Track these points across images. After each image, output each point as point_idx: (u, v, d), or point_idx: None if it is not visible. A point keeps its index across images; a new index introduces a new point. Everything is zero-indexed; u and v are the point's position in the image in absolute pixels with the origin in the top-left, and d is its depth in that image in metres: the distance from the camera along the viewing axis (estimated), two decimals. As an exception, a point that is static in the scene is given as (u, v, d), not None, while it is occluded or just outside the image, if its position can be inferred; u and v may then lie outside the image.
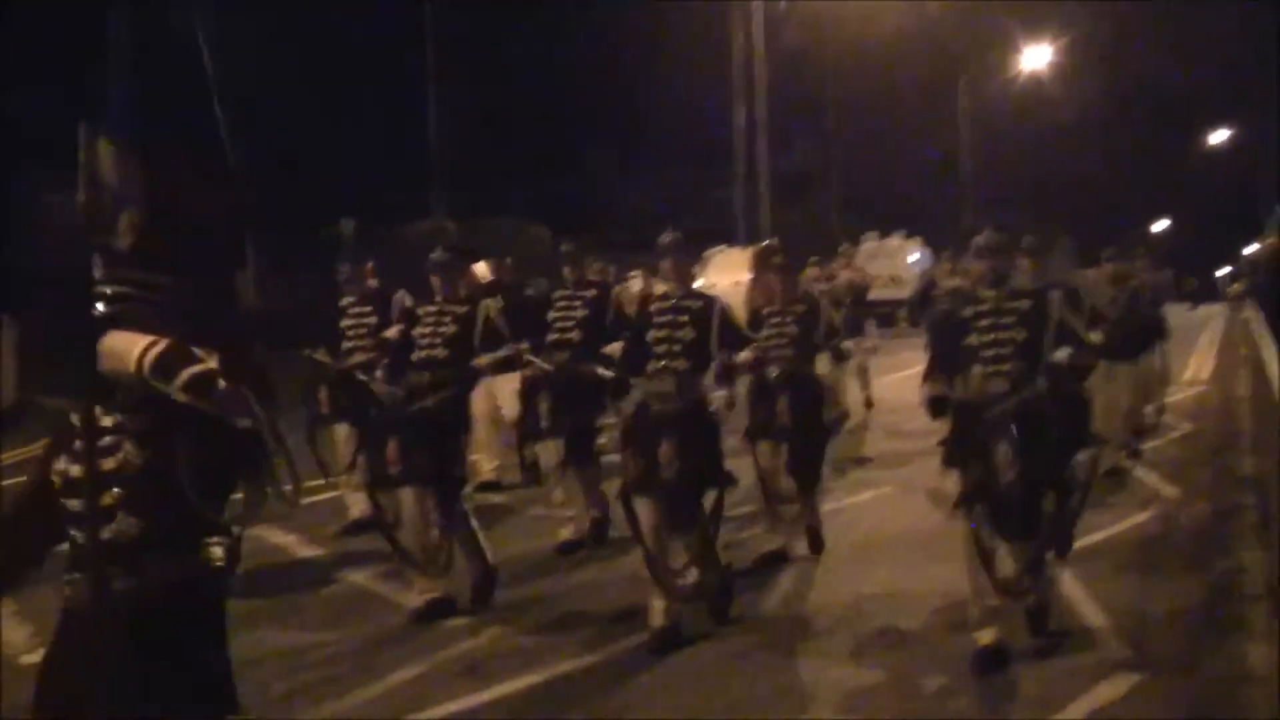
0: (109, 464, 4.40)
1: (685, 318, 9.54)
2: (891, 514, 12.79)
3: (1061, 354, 8.27)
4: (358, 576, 10.95)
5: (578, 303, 11.91)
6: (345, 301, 12.76)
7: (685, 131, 52.52)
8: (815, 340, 11.47)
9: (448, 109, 46.47)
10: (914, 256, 41.56)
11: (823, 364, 12.35)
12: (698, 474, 9.02)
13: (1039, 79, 56.40)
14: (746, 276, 15.58)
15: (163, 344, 4.36)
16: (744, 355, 9.60)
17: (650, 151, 55.27)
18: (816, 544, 11.18)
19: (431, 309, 10.45)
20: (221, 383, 4.34)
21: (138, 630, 4.34)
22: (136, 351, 4.35)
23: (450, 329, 10.26)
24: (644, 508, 8.92)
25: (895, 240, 40.01)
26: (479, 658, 8.69)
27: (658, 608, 8.85)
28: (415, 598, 9.71)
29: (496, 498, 13.96)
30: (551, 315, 11.91)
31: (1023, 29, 54.44)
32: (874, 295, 31.99)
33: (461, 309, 10.38)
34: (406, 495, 9.73)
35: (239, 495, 4.61)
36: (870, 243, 40.10)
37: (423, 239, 39.68)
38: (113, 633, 4.30)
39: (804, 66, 52.88)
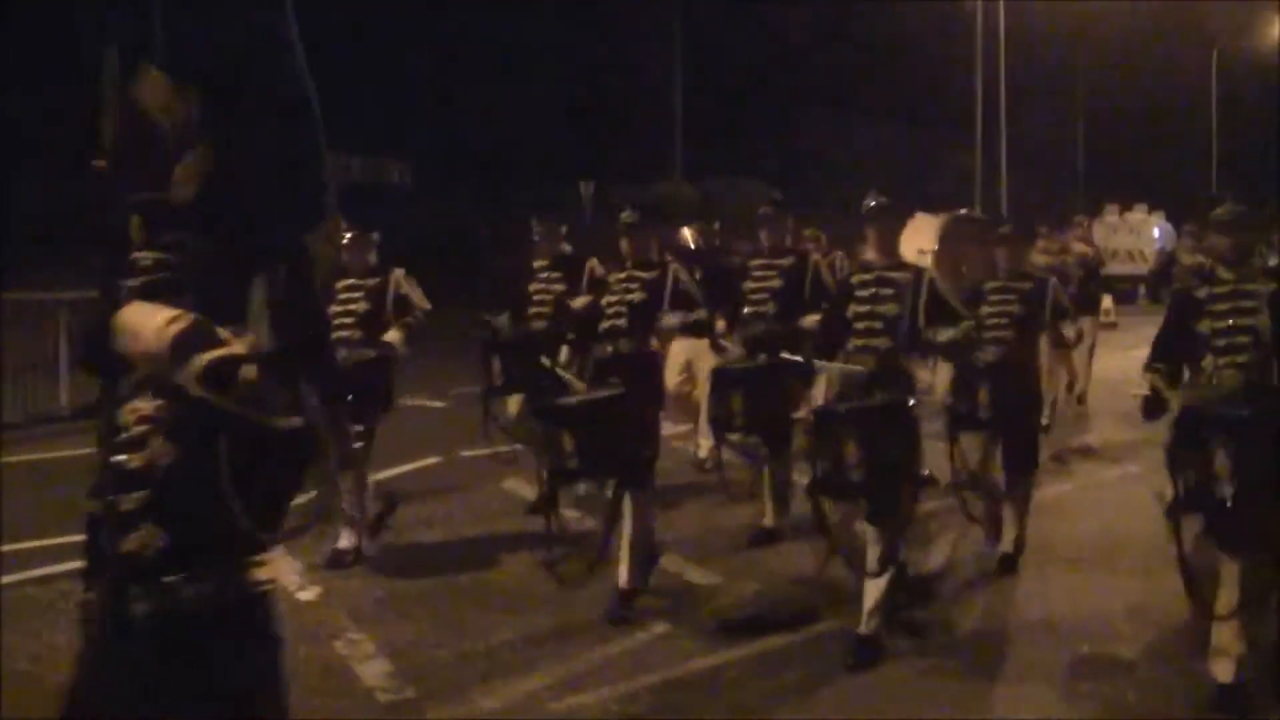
0: (134, 461, 3.48)
1: (890, 290, 8.59)
2: (1114, 513, 11.34)
3: None
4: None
5: (773, 272, 10.95)
6: (537, 265, 12.16)
7: (928, 95, 51.49)
8: (1040, 321, 10.24)
9: (689, 72, 45.91)
10: (1156, 231, 39.83)
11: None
12: (894, 474, 7.94)
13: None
14: (932, 246, 14.63)
15: (185, 320, 3.40)
16: (947, 334, 8.48)
17: (892, 113, 54.30)
18: (1019, 548, 9.96)
19: (621, 275, 9.75)
20: (249, 373, 3.39)
21: (164, 660, 3.51)
22: (154, 326, 3.43)
23: (638, 295, 9.53)
24: (836, 509, 8.12)
25: (1138, 214, 38.26)
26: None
27: (865, 612, 7.92)
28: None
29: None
30: (747, 285, 11.03)
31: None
32: (1115, 270, 30.80)
33: (650, 274, 9.64)
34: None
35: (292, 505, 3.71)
36: (1111, 216, 38.37)
37: (663, 200, 39.52)
38: (130, 664, 3.50)
39: (1050, 33, 51.18)
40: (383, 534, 10.44)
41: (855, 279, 8.88)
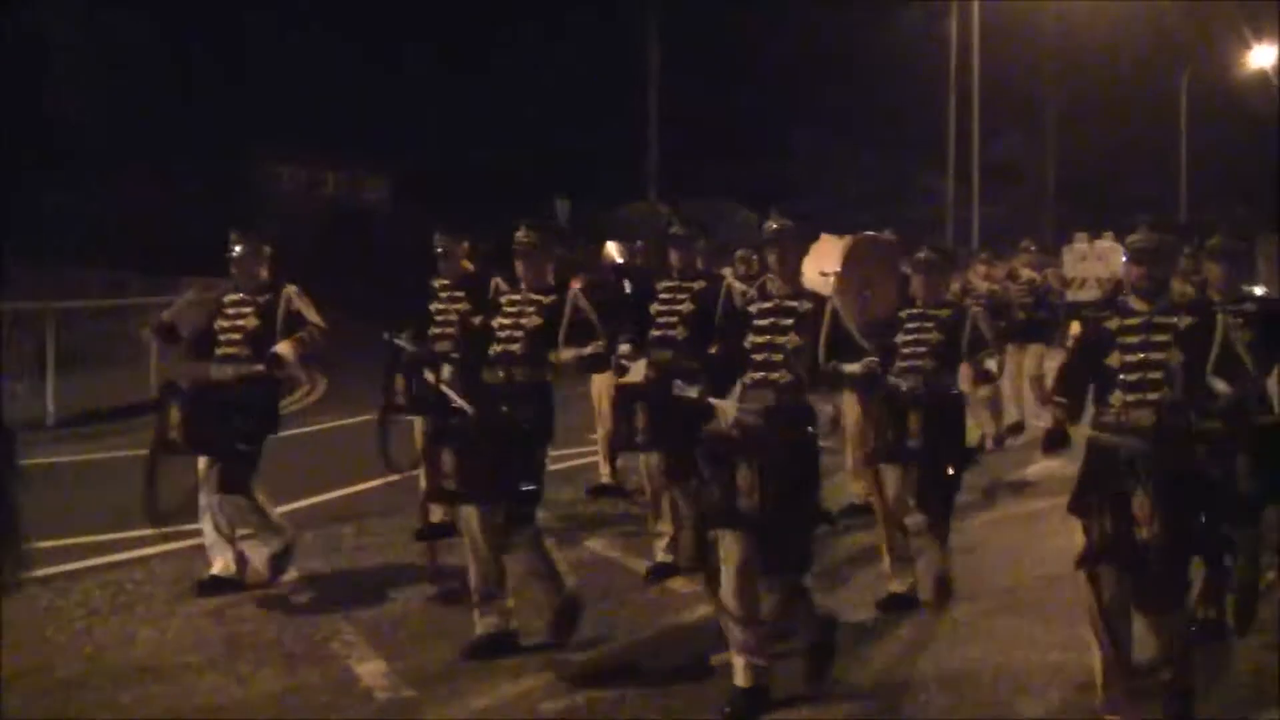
0: None
1: (790, 321, 7.94)
2: (1046, 553, 10.61)
3: (1221, 386, 6.92)
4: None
5: (683, 295, 10.28)
6: (438, 284, 11.53)
7: (896, 119, 51.31)
8: (959, 352, 9.78)
9: (666, 93, 45.67)
10: (1124, 258, 39.38)
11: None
12: (790, 510, 7.37)
13: (1266, 76, 53.55)
14: (835, 268, 13.44)
15: None
16: (852, 368, 7.93)
17: (859, 138, 54.12)
18: (944, 591, 9.47)
19: (515, 297, 9.09)
20: None
21: None
22: None
23: (534, 320, 8.90)
24: (724, 546, 7.48)
25: (1105, 242, 37.87)
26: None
27: (739, 665, 7.35)
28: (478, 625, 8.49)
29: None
30: (654, 308, 10.40)
31: (1251, 24, 51.70)
32: (1083, 297, 30.55)
33: (548, 298, 8.98)
34: (469, 515, 8.44)
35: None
36: (1080, 244, 38.11)
37: (639, 220, 39.33)
38: None
39: (1020, 55, 51.06)
40: (286, 566, 10.04)
41: (754, 308, 8.21)
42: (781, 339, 7.91)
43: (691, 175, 46.85)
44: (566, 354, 8.85)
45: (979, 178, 42.63)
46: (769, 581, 7.55)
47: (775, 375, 7.86)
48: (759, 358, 7.93)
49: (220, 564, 9.84)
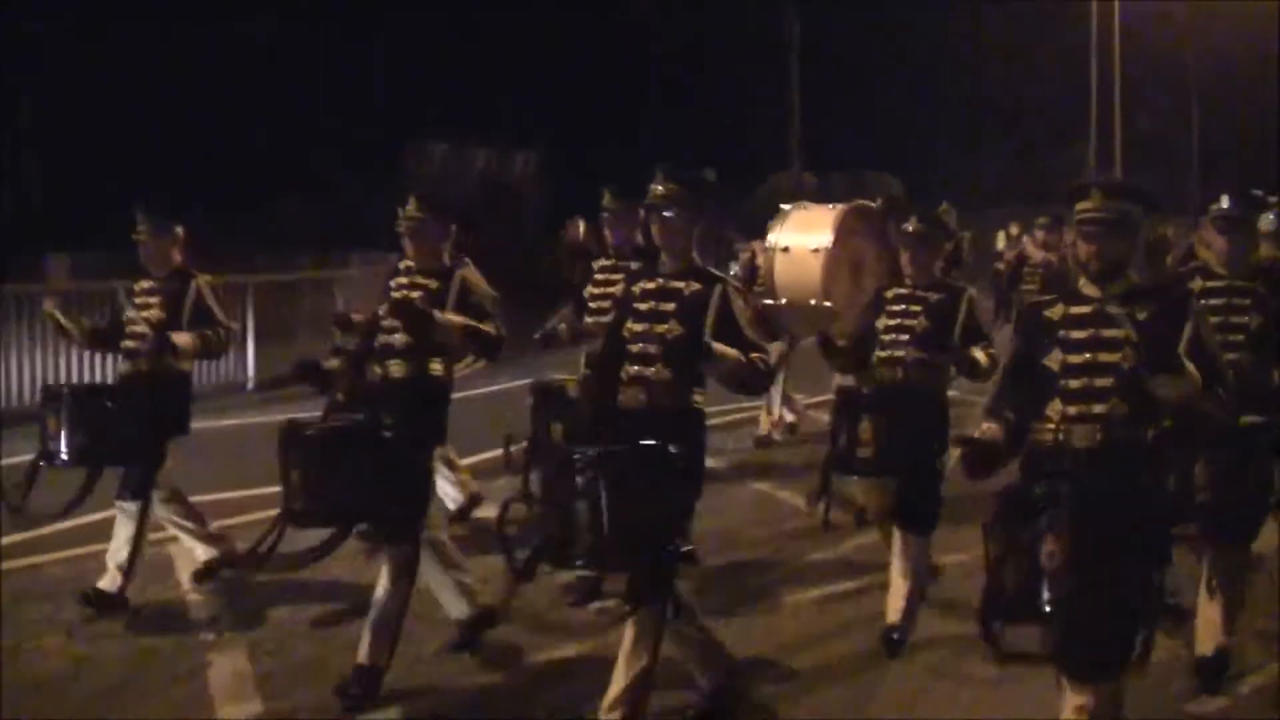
0: None
1: (672, 305, 6.64)
2: None
3: (1163, 388, 5.35)
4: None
5: (618, 276, 8.66)
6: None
7: (1039, 89, 50.50)
8: (946, 341, 8.04)
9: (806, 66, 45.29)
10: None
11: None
12: (635, 541, 5.96)
13: None
14: (825, 244, 11.99)
15: None
16: (754, 357, 6.52)
17: (1003, 111, 53.32)
18: (905, 625, 7.90)
19: (403, 280, 7.74)
20: None
21: None
22: None
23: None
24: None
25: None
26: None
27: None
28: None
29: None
30: (588, 291, 9.43)
31: None
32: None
33: (434, 282, 7.60)
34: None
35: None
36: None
37: (784, 190, 39.06)
38: None
39: (1164, 22, 49.78)
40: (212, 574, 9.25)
41: (636, 288, 6.84)
42: (661, 327, 6.61)
43: (835, 146, 46.51)
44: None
45: (1121, 151, 41.78)
46: (630, 627, 6.41)
47: (650, 370, 6.58)
48: (635, 349, 6.65)
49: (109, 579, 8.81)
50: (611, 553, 5.94)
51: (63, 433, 8.46)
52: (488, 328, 7.45)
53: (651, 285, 6.74)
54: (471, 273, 7.89)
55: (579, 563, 6.11)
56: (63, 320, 9.17)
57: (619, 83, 48.42)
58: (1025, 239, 16.44)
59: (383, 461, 7.06)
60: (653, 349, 6.56)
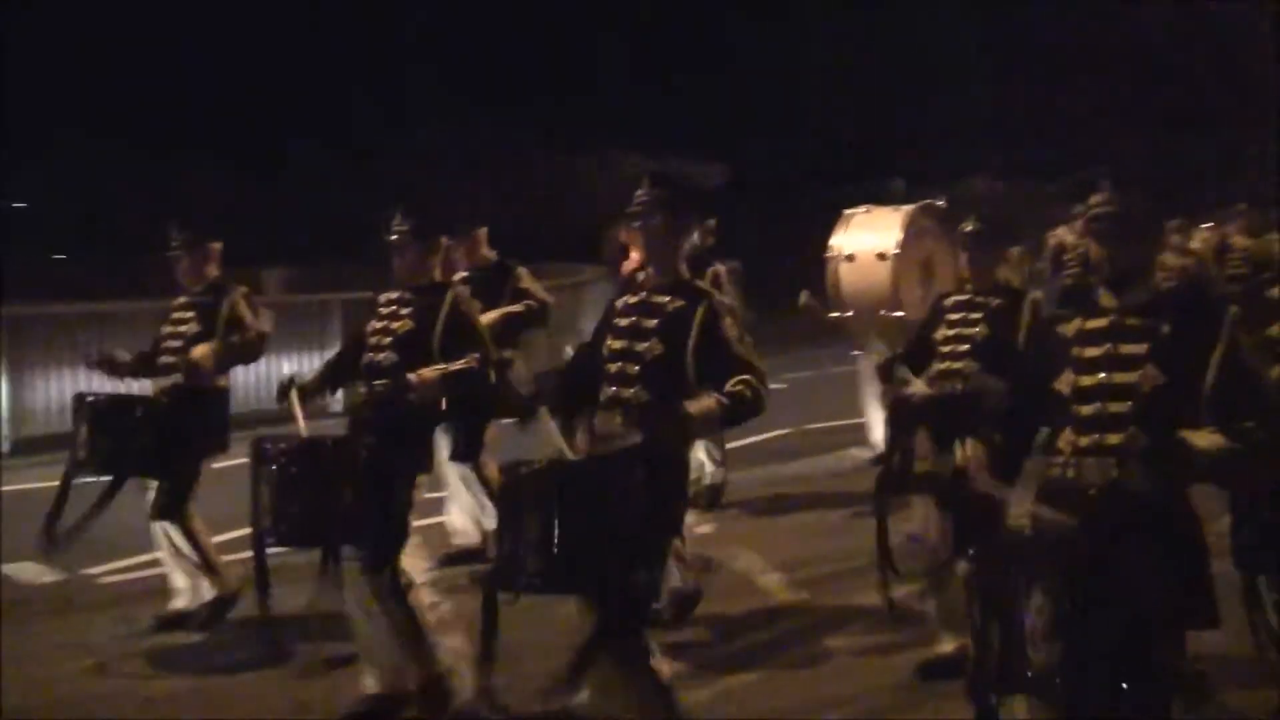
0: None
1: (654, 322, 6.13)
2: None
3: (1202, 441, 4.62)
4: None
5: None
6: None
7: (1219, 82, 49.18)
8: (1010, 349, 7.44)
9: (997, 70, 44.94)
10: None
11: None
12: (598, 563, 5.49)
13: None
14: (893, 249, 11.63)
15: None
16: (739, 383, 5.86)
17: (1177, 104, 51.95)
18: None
19: (392, 296, 7.51)
20: None
21: None
22: None
23: (404, 324, 7.30)
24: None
25: None
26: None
27: None
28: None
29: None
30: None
31: None
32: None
33: (424, 300, 7.32)
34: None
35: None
36: None
37: (974, 198, 38.88)
38: None
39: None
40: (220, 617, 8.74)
41: (619, 303, 6.41)
42: (641, 345, 6.12)
43: (1028, 154, 46.01)
44: (427, 373, 7.14)
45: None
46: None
47: (629, 392, 6.09)
48: (614, 368, 6.18)
49: (183, 598, 8.77)
50: (560, 572, 5.44)
51: (89, 440, 8.30)
52: (469, 364, 7.03)
53: (634, 300, 6.27)
54: (463, 290, 7.69)
55: (526, 583, 5.49)
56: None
57: (806, 91, 48.51)
58: (1063, 227, 15.36)
59: (360, 482, 6.75)
60: (632, 369, 6.07)
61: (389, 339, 7.24)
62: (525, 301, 9.95)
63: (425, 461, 7.39)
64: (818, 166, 45.49)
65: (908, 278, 11.64)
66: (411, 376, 6.90)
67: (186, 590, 8.74)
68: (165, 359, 8.81)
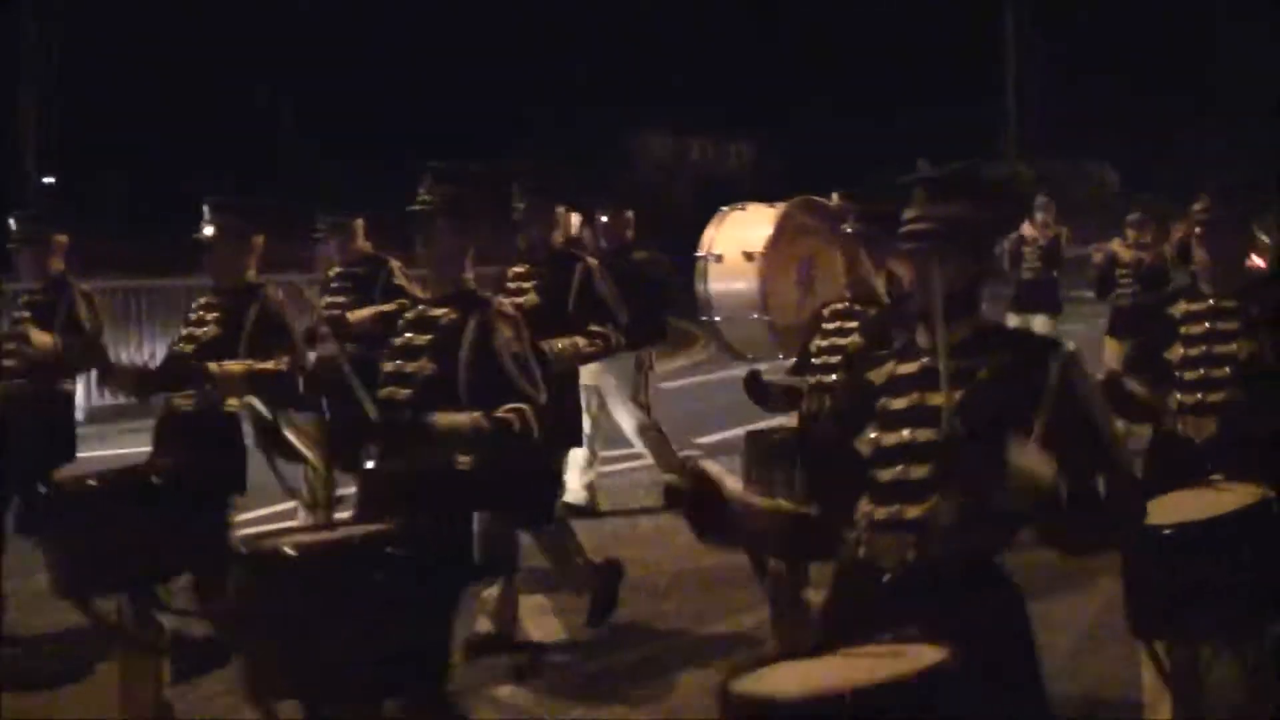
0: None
1: (428, 338, 5.39)
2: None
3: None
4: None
5: (529, 284, 7.76)
6: (329, 274, 9.81)
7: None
8: None
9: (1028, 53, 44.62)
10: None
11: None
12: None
13: None
14: (762, 245, 10.62)
15: None
16: (506, 410, 5.15)
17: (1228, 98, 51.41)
18: None
19: (201, 300, 6.97)
20: None
21: None
22: None
23: (212, 330, 6.64)
24: None
25: None
26: None
27: None
28: None
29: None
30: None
31: None
32: None
33: (232, 302, 6.66)
34: None
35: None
36: None
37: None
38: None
39: None
40: None
41: (401, 319, 5.74)
42: (412, 365, 5.38)
43: (1054, 136, 45.73)
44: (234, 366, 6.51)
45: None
46: None
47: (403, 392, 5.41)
48: (384, 393, 5.48)
49: None
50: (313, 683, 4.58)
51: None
52: (278, 365, 6.33)
53: (412, 315, 5.52)
54: (273, 292, 6.82)
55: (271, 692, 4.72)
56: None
57: (833, 73, 48.25)
58: (1115, 240, 14.49)
59: (165, 509, 6.05)
60: (402, 393, 5.27)
61: (192, 346, 6.60)
62: (399, 299, 8.57)
63: (238, 482, 6.55)
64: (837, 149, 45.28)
65: (780, 280, 10.59)
66: (212, 366, 6.24)
67: None
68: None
